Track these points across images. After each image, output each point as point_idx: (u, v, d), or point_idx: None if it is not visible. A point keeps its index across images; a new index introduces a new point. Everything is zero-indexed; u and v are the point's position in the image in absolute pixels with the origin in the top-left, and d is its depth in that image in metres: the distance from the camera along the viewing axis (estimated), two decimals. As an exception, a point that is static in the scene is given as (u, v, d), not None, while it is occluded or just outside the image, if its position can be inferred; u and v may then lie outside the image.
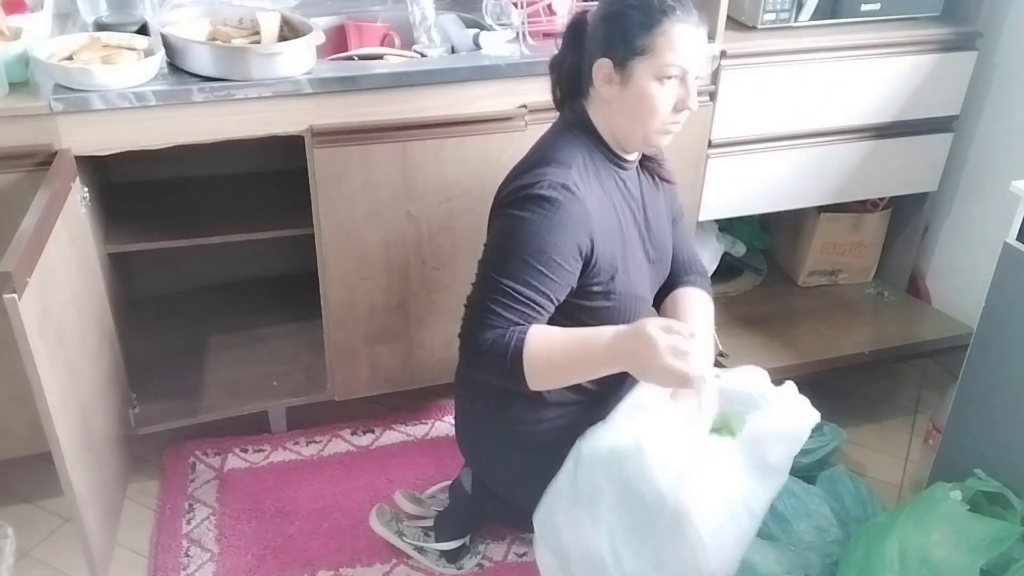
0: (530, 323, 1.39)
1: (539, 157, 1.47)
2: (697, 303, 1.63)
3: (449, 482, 1.88)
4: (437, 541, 1.78)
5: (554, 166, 1.43)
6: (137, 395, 1.95)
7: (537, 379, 1.38)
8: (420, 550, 1.79)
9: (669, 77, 1.39)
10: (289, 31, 1.82)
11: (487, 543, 1.85)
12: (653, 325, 1.28)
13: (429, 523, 1.82)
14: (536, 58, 1.83)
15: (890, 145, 2.19)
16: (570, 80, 1.51)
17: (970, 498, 1.61)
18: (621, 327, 1.34)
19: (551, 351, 1.37)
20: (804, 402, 1.42)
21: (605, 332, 1.35)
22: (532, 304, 1.39)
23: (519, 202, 1.41)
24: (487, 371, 1.42)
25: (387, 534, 1.80)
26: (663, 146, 1.50)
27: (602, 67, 1.42)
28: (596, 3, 1.48)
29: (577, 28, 1.48)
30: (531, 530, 1.84)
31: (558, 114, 1.57)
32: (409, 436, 2.13)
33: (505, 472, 1.67)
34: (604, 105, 1.46)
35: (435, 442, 2.12)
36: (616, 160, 1.51)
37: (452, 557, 1.79)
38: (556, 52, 1.53)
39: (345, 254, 1.87)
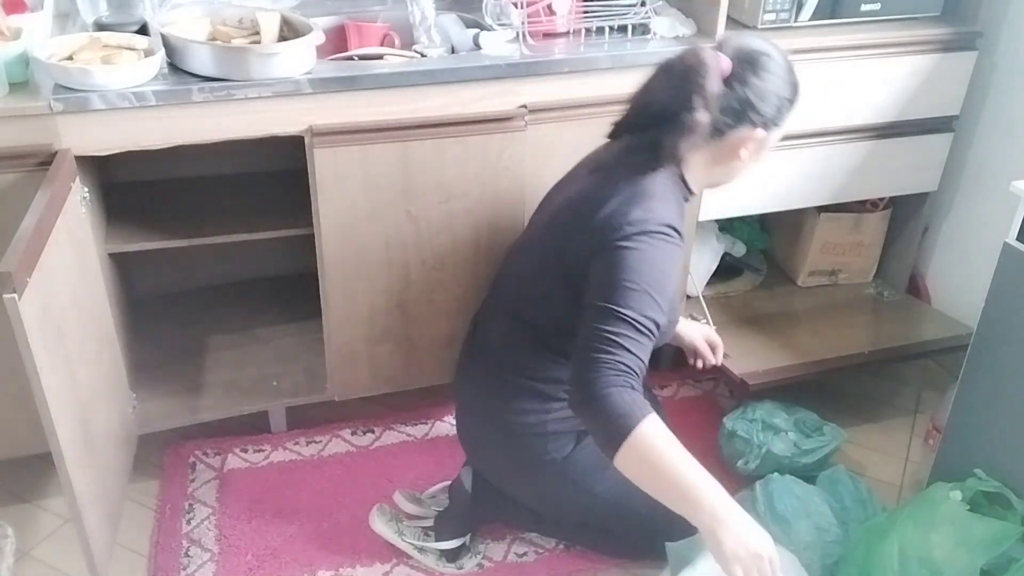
0: (646, 353, 1.39)
1: (637, 191, 1.47)
2: None
3: (449, 482, 1.88)
4: (437, 541, 1.78)
5: (656, 201, 1.46)
6: (137, 395, 1.95)
7: (628, 460, 1.32)
8: (420, 550, 1.79)
9: None
10: (289, 31, 1.82)
11: (487, 543, 1.85)
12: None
13: (429, 523, 1.82)
14: (536, 58, 1.83)
15: (890, 145, 2.19)
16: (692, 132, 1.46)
17: (970, 498, 1.61)
18: (739, 516, 1.32)
19: (659, 448, 1.32)
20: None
21: (715, 483, 1.33)
22: (650, 333, 1.39)
23: (633, 237, 1.42)
24: (591, 417, 1.37)
25: (387, 533, 1.80)
26: None
27: (756, 138, 1.50)
28: (728, 59, 1.47)
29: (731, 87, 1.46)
30: (530, 530, 1.86)
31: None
32: (409, 436, 2.13)
33: (507, 465, 1.68)
34: (720, 158, 1.53)
35: (435, 442, 2.12)
36: (687, 195, 1.57)
37: (452, 556, 1.79)
38: (676, 93, 1.45)
39: (345, 254, 1.87)
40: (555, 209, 1.61)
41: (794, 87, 1.52)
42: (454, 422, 2.16)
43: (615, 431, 1.31)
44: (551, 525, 1.84)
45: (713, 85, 1.43)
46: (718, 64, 1.44)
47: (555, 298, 1.54)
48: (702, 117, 1.43)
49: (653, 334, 1.40)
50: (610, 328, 1.37)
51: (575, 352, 1.41)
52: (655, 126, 1.48)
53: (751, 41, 1.51)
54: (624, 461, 1.32)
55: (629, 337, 1.37)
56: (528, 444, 1.63)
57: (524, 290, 1.62)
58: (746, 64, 1.47)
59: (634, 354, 1.37)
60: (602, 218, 1.46)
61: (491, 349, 1.68)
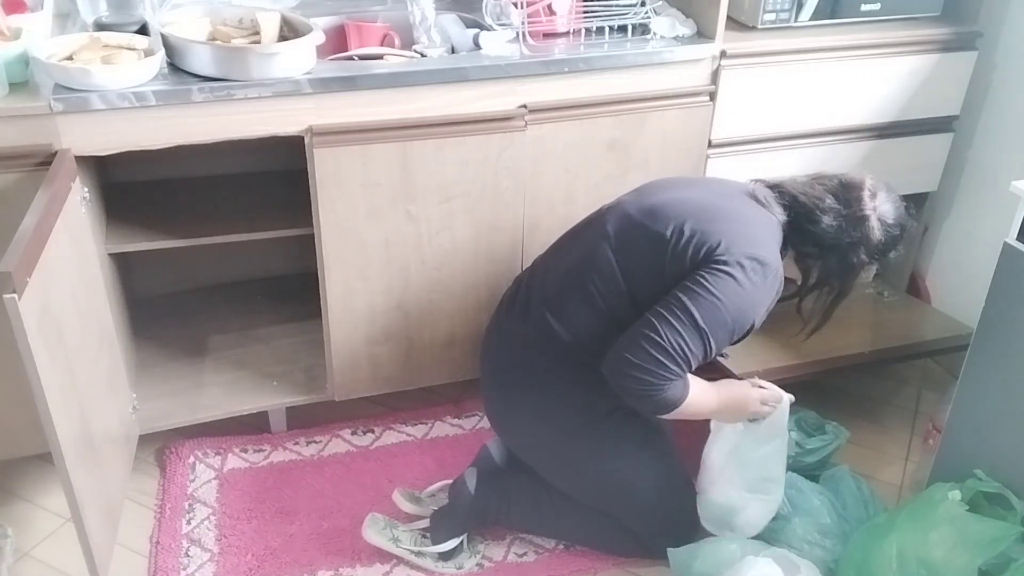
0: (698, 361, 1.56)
1: (761, 235, 1.59)
2: None
3: (449, 481, 1.88)
4: (433, 542, 1.77)
5: (776, 251, 1.60)
6: (137, 395, 1.95)
7: (674, 415, 1.60)
8: (417, 554, 1.78)
9: None
10: (289, 31, 1.82)
11: (487, 543, 1.85)
12: (749, 385, 1.72)
13: (426, 523, 1.82)
14: (536, 58, 1.83)
15: (890, 145, 2.19)
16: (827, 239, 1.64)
17: (970, 499, 1.61)
18: (729, 384, 1.71)
19: (690, 409, 1.59)
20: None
21: (714, 388, 1.66)
22: (711, 353, 1.55)
23: (751, 269, 1.53)
24: (640, 405, 1.57)
25: (382, 542, 1.78)
26: None
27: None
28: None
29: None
30: (529, 532, 1.86)
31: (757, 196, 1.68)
32: (409, 436, 2.13)
33: (535, 419, 1.72)
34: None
35: (435, 442, 2.11)
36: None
37: (449, 556, 1.79)
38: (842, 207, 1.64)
39: (345, 254, 1.87)
40: (671, 202, 1.63)
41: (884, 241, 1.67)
42: (456, 421, 2.17)
43: (662, 411, 1.57)
44: (552, 525, 1.84)
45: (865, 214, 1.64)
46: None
47: (644, 284, 1.59)
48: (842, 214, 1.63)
49: (712, 353, 1.55)
50: (691, 347, 1.51)
51: (639, 332, 1.52)
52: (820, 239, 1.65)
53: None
54: (673, 415, 1.60)
55: (699, 358, 1.53)
56: (562, 401, 1.67)
57: (609, 267, 1.62)
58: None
59: (692, 366, 1.54)
60: (727, 231, 1.55)
61: (557, 313, 1.65)
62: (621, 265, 1.60)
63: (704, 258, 1.53)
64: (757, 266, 1.53)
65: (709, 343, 1.52)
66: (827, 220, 1.62)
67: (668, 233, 1.57)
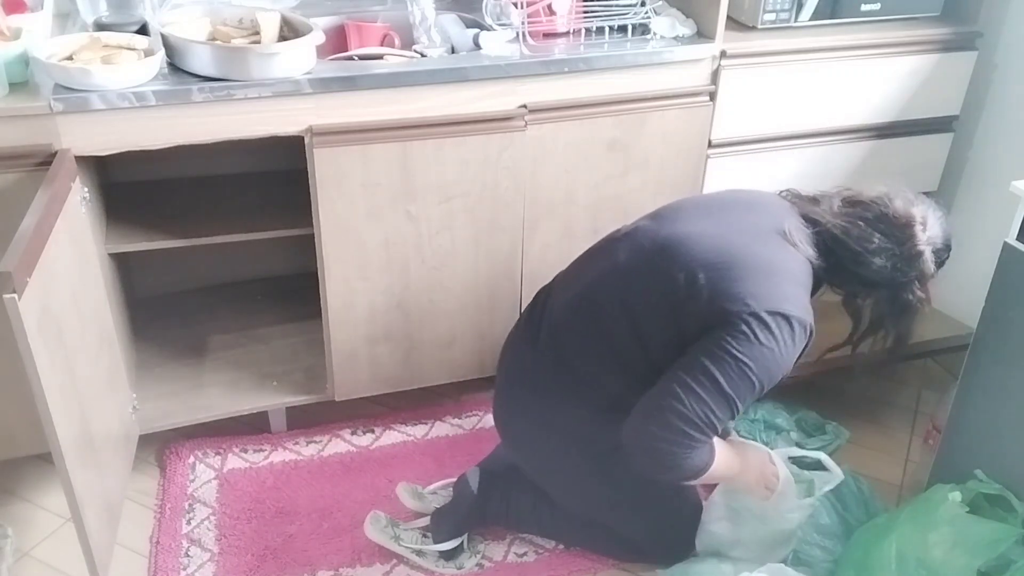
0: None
1: (786, 285, 1.46)
2: None
3: (452, 480, 1.88)
4: (435, 540, 1.78)
5: (803, 299, 1.48)
6: (137, 395, 1.95)
7: (698, 481, 1.56)
8: (418, 553, 1.78)
9: None
10: (289, 31, 1.82)
11: (487, 543, 1.85)
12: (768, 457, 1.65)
13: (426, 521, 1.82)
14: (536, 58, 1.83)
15: (890, 145, 2.19)
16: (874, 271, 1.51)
17: (970, 500, 1.61)
18: (746, 456, 1.63)
19: (719, 468, 1.52)
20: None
21: (737, 455, 1.61)
22: (739, 413, 1.47)
23: (775, 326, 1.42)
24: (662, 475, 1.52)
25: (383, 540, 1.79)
26: None
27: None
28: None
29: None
30: (531, 532, 1.85)
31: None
32: (409, 436, 2.13)
33: (545, 443, 1.68)
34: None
35: (435, 442, 2.11)
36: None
37: (450, 556, 1.79)
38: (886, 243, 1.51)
39: (345, 254, 1.87)
40: (687, 239, 1.52)
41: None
42: (456, 421, 2.17)
43: (688, 479, 1.52)
44: (552, 528, 1.83)
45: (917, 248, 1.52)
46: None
47: (651, 324, 1.51)
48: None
49: (738, 415, 1.48)
50: (716, 411, 1.42)
51: (663, 402, 1.43)
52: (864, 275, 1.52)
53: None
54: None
55: (724, 420, 1.45)
56: (568, 434, 1.63)
57: (615, 301, 1.54)
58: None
59: (719, 431, 1.47)
60: (745, 282, 1.44)
61: (561, 343, 1.61)
62: (628, 301, 1.52)
63: (722, 315, 1.42)
64: (782, 322, 1.41)
65: (736, 407, 1.43)
66: (878, 262, 1.49)
67: (681, 279, 1.46)
